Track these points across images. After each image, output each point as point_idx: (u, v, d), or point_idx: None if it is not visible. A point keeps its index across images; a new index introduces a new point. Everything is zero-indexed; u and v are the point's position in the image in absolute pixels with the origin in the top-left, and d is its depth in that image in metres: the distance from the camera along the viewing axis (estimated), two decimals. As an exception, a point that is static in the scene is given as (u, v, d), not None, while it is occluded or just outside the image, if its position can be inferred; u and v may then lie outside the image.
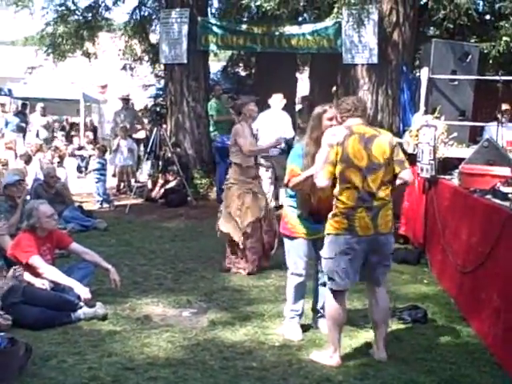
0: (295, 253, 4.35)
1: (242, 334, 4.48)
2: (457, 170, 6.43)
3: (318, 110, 4.22)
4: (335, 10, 9.05)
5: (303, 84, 14.85)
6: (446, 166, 6.72)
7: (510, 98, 8.20)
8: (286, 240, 4.42)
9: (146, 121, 13.55)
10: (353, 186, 3.76)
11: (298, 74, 14.98)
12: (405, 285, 5.80)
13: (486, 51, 8.78)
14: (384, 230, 3.83)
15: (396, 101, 9.66)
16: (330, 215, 3.87)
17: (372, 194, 3.78)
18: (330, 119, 4.10)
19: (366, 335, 4.38)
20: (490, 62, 8.96)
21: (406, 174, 3.86)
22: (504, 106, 8.52)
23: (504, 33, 8.85)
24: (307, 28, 10.23)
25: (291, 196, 4.38)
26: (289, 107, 13.25)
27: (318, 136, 4.09)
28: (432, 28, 10.69)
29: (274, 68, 12.73)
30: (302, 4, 8.76)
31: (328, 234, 3.88)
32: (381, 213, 3.79)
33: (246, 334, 4.48)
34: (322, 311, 4.44)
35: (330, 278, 3.90)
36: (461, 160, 6.58)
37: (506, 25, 8.92)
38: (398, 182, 3.88)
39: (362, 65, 9.77)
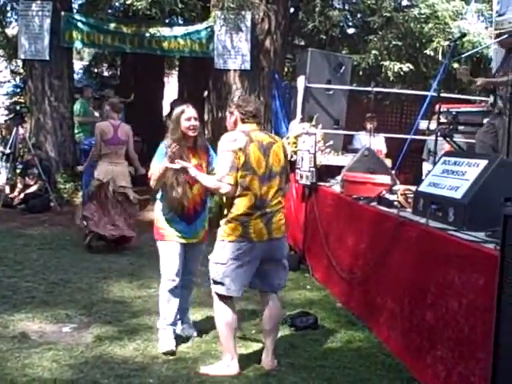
0: (167, 257, 4.22)
1: (132, 348, 4.21)
2: (338, 177, 6.63)
3: (176, 111, 4.16)
4: (212, 13, 8.94)
5: (170, 88, 14.64)
6: (322, 173, 6.89)
7: (375, 108, 8.64)
8: (158, 244, 4.28)
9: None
10: (251, 192, 3.71)
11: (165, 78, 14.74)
12: (289, 291, 5.80)
13: (355, 63, 9.15)
14: (278, 235, 3.85)
15: (268, 107, 9.76)
16: (222, 221, 3.79)
17: (267, 201, 3.77)
18: (188, 119, 4.06)
19: (259, 343, 4.30)
20: (360, 73, 9.38)
21: (286, 188, 4.06)
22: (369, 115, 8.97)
23: (373, 46, 9.31)
24: (179, 30, 10.03)
25: (160, 199, 4.26)
26: (155, 111, 13.00)
27: (179, 137, 4.05)
28: (302, 38, 10.92)
29: (141, 70, 12.42)
30: (175, 6, 8.51)
31: (220, 240, 3.78)
32: (274, 218, 3.80)
33: (136, 348, 4.22)
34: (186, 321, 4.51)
35: (218, 283, 3.79)
36: (336, 167, 6.80)
37: (375, 39, 9.39)
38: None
39: (235, 70, 9.77)
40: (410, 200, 4.65)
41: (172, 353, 4.13)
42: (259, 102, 4.44)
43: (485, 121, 6.22)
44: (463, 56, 6.32)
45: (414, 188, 4.81)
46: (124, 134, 7.03)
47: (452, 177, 4.04)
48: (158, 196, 4.30)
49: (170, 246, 4.21)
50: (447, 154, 4.51)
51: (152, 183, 4.19)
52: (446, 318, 3.56)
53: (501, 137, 5.60)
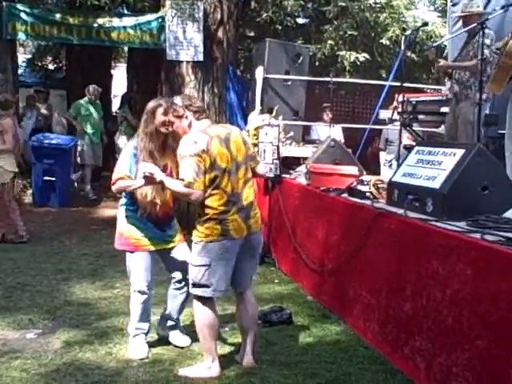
0: (137, 268, 4.02)
1: (105, 352, 4.05)
2: (300, 169, 6.59)
3: (151, 104, 3.98)
4: (164, 3, 8.71)
5: (117, 80, 14.28)
6: (284, 165, 6.84)
7: (329, 98, 8.65)
8: (127, 255, 4.07)
9: None
10: (221, 189, 3.59)
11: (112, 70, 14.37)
12: (257, 286, 5.72)
13: (311, 53, 9.11)
14: (256, 229, 3.76)
15: (222, 99, 9.60)
16: (197, 223, 3.65)
17: (239, 195, 3.66)
18: (165, 114, 3.88)
19: (236, 342, 4.22)
20: (316, 63, 9.35)
21: (261, 168, 3.96)
22: (325, 105, 8.98)
23: (328, 36, 9.29)
24: (129, 21, 9.72)
25: (127, 204, 4.05)
26: (103, 104, 12.66)
27: (151, 131, 3.89)
28: (254, 28, 10.82)
29: (87, 62, 12.07)
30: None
31: (199, 242, 3.64)
32: (251, 212, 3.72)
33: (108, 352, 4.06)
34: (177, 322, 4.27)
35: (202, 286, 3.67)
36: (295, 159, 6.75)
37: (330, 29, 9.38)
38: (258, 178, 3.87)
39: (187, 62, 9.56)
40: (381, 191, 4.62)
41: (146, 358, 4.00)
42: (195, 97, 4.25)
43: (442, 109, 6.31)
44: (434, 45, 6.35)
45: (384, 178, 4.80)
46: None
47: (428, 167, 4.03)
48: (123, 202, 4.07)
49: (140, 257, 4.01)
50: (420, 143, 4.50)
51: (115, 188, 3.97)
52: (426, 309, 3.55)
53: (461, 120, 5.69)
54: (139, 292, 4.05)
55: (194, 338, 4.22)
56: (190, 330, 4.27)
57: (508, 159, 5.03)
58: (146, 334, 4.16)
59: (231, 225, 3.60)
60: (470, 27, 5.42)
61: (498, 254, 2.98)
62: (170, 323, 4.27)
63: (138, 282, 4.04)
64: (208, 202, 3.58)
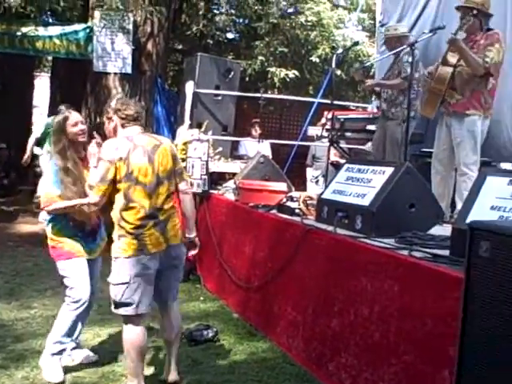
0: (78, 278, 3.85)
1: (21, 377, 3.82)
2: (227, 184, 6.53)
3: (57, 118, 3.87)
4: (92, 13, 8.51)
5: (39, 91, 13.84)
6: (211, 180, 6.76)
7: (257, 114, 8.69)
8: (64, 264, 3.87)
9: None
10: (139, 204, 3.46)
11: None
12: (182, 303, 5.57)
13: (241, 69, 9.10)
14: (175, 241, 3.62)
15: (149, 112, 9.46)
16: (114, 236, 3.52)
17: (158, 209, 3.53)
18: (75, 125, 3.79)
19: (161, 360, 4.08)
20: (247, 79, 9.35)
21: (183, 186, 3.75)
22: (254, 120, 8.99)
23: (259, 52, 9.31)
24: (54, 30, 9.43)
25: (55, 219, 3.89)
26: (24, 115, 12.25)
27: (62, 147, 3.78)
28: (184, 42, 10.71)
29: (9, 71, 11.64)
30: (56, 4, 8.01)
31: (116, 258, 3.50)
32: (169, 225, 3.57)
33: (25, 377, 3.83)
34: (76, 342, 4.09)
35: (124, 304, 3.52)
36: (225, 174, 6.69)
37: (261, 45, 9.40)
38: (181, 195, 3.74)
39: (115, 74, 9.38)
40: (310, 207, 4.61)
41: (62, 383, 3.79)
42: (140, 104, 4.13)
43: (369, 127, 6.42)
44: (364, 66, 6.45)
45: (313, 195, 4.80)
46: None
47: (358, 184, 4.04)
48: (50, 217, 3.90)
49: (78, 265, 3.85)
50: (349, 161, 4.52)
51: (49, 209, 3.81)
52: (354, 325, 3.54)
53: (388, 138, 5.80)
54: (78, 302, 3.84)
55: (116, 359, 4.07)
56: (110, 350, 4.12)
57: (433, 177, 5.17)
58: (62, 352, 3.93)
59: (148, 239, 3.46)
60: (399, 49, 5.55)
61: (424, 271, 3.01)
62: (71, 345, 4.07)
63: (79, 290, 3.84)
64: (124, 215, 3.44)
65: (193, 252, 3.93)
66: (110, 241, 3.64)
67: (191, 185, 6.48)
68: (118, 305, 3.50)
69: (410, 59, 5.26)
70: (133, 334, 3.54)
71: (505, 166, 6.94)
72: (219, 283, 5.81)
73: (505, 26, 6.14)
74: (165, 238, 3.53)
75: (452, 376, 2.71)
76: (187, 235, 3.84)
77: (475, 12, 4.98)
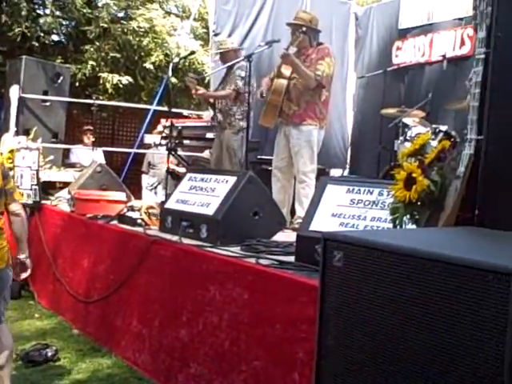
0: None
1: None
2: (60, 194, 6.24)
3: None
4: None
5: None
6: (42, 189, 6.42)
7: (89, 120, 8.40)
8: None
9: None
10: None
11: None
12: (14, 322, 5.24)
13: (71, 73, 8.70)
14: (0, 265, 3.36)
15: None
16: None
17: None
18: None
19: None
20: (77, 84, 8.96)
21: (15, 206, 3.51)
22: (86, 127, 8.69)
23: (89, 57, 8.97)
24: None
25: None
26: None
27: None
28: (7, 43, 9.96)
29: None
30: None
31: None
32: None
33: None
34: None
35: None
36: (53, 183, 6.41)
37: (92, 49, 9.07)
38: (11, 217, 3.51)
39: None
40: (152, 217, 4.55)
41: None
42: None
43: (207, 135, 6.50)
44: (200, 76, 6.47)
45: (155, 204, 4.75)
46: None
47: (201, 193, 4.06)
48: None
49: None
50: (192, 170, 4.53)
51: None
52: (203, 335, 3.55)
53: (225, 147, 5.91)
54: None
55: None
56: None
57: (274, 185, 5.37)
58: None
59: None
60: (234, 61, 5.69)
61: (272, 278, 3.10)
62: None
63: None
64: None
65: (24, 275, 3.66)
66: None
67: (21, 195, 6.12)
68: None
69: (243, 73, 5.45)
70: None
71: (336, 172, 7.43)
72: (55, 298, 5.52)
73: (330, 41, 6.55)
74: None
75: (302, 378, 2.84)
76: (18, 256, 3.58)
77: (304, 29, 5.25)
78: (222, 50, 6.10)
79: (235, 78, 5.79)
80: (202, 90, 6.05)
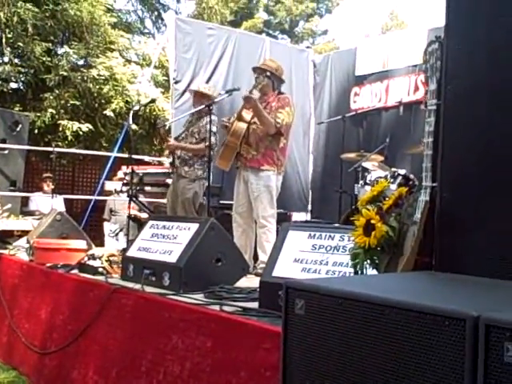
0: None
1: None
2: (19, 243, 6.15)
3: None
4: None
5: None
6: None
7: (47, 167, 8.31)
8: None
9: None
10: None
11: None
12: (-35, 378, 5.06)
13: (30, 121, 8.65)
14: None
15: None
16: None
17: None
18: None
19: None
20: (36, 132, 8.90)
21: None
22: (45, 175, 8.61)
23: (49, 104, 8.93)
24: None
25: None
26: None
27: None
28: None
29: None
30: None
31: None
32: None
33: None
34: None
35: None
36: (10, 232, 6.33)
37: (51, 97, 9.04)
38: None
39: None
40: (114, 266, 4.50)
41: None
42: None
43: (168, 181, 6.53)
44: (167, 123, 6.50)
45: (116, 252, 4.70)
46: None
47: (164, 241, 4.04)
48: None
49: None
50: (154, 218, 4.52)
51: None
52: (163, 385, 3.49)
53: (180, 195, 5.94)
54: None
55: None
56: None
57: (235, 230, 5.39)
58: None
59: None
60: (198, 108, 5.76)
61: (236, 325, 3.07)
62: None
63: None
64: None
65: None
66: None
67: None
68: None
69: (214, 128, 5.56)
70: None
71: (298, 216, 7.50)
72: (10, 350, 5.35)
73: (290, 87, 6.69)
74: None
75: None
76: None
77: (268, 74, 5.39)
78: (203, 91, 6.09)
79: (207, 133, 5.58)
80: (173, 142, 6.05)
